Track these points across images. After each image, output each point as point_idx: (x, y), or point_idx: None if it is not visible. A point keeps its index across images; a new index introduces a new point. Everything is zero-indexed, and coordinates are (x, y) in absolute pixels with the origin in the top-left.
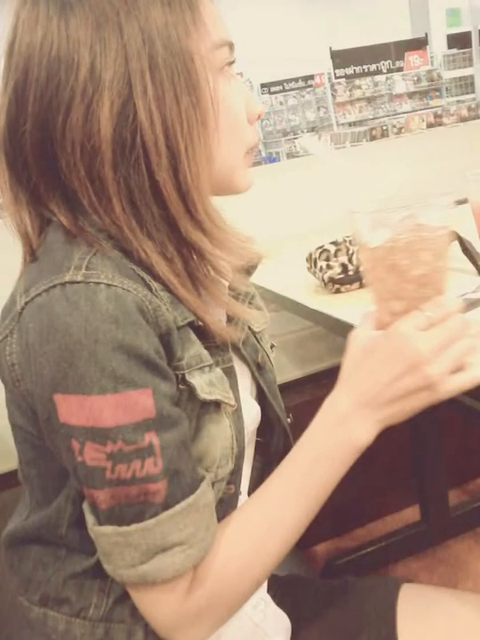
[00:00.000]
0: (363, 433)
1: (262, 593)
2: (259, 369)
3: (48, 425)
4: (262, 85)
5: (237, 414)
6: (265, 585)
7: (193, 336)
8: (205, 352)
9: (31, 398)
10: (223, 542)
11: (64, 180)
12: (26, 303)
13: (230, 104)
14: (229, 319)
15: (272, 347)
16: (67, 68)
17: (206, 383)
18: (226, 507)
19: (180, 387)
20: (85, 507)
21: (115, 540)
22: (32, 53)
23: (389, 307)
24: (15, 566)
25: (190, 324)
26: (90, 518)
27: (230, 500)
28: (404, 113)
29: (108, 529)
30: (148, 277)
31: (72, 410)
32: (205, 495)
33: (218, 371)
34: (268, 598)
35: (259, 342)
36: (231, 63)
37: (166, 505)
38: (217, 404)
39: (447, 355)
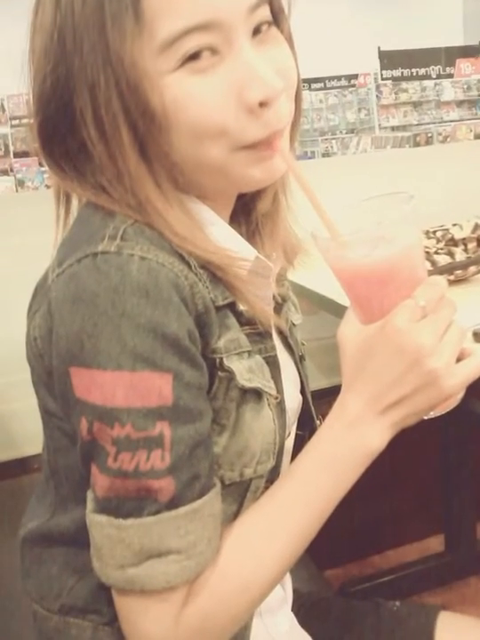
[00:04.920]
0: (375, 438)
1: (286, 610)
2: (301, 360)
3: (64, 400)
4: (303, 80)
5: (281, 407)
6: (289, 603)
7: (232, 319)
8: (244, 337)
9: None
10: (221, 559)
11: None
12: (57, 276)
13: (188, 104)
14: (276, 308)
15: (303, 344)
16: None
17: (246, 369)
18: None
19: (220, 374)
20: (88, 491)
21: (107, 533)
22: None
23: (373, 309)
24: (34, 569)
25: (230, 307)
26: (89, 504)
27: None
28: (451, 121)
29: (103, 518)
30: (185, 253)
31: (85, 383)
32: (212, 504)
33: (258, 358)
34: (292, 616)
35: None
36: (199, 52)
37: (171, 505)
38: (258, 394)
39: (446, 343)
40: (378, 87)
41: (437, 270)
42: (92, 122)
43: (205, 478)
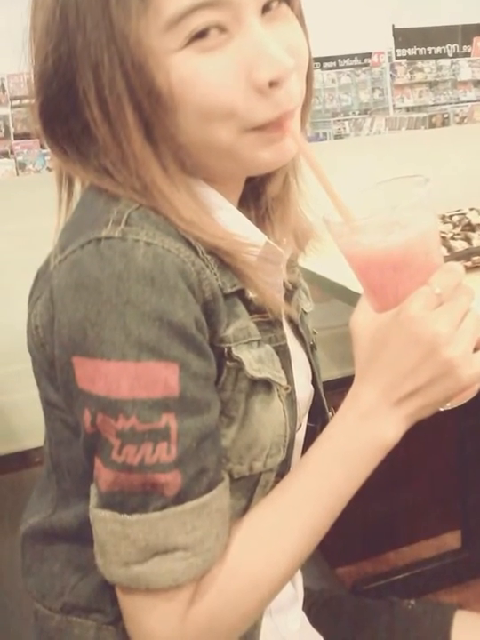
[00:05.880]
0: (390, 430)
1: (297, 609)
2: (313, 350)
3: (66, 391)
4: (314, 59)
5: (291, 398)
6: (300, 601)
7: (241, 307)
8: (253, 326)
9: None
10: (229, 555)
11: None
12: (60, 262)
13: (195, 84)
14: (287, 295)
15: (314, 333)
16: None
17: (255, 359)
18: None
19: (228, 364)
20: (92, 486)
21: (111, 529)
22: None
23: (387, 297)
24: (35, 566)
25: (239, 294)
26: (92, 499)
27: None
28: (468, 102)
29: (107, 514)
30: (192, 239)
31: (88, 374)
32: (220, 499)
33: (268, 347)
34: (303, 615)
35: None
36: (207, 30)
37: (177, 499)
38: (268, 385)
39: (463, 332)
40: (392, 66)
41: (454, 256)
42: (95, 102)
43: (213, 472)
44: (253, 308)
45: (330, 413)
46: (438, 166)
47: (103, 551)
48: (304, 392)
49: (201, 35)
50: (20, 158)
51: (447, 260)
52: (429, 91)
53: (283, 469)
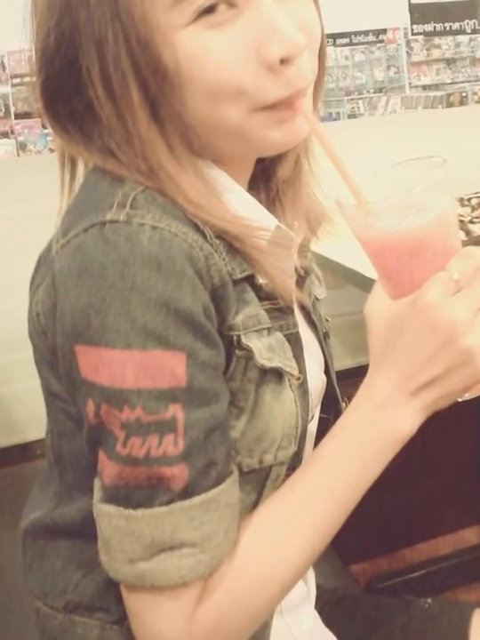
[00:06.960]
0: (405, 421)
1: (309, 608)
2: (325, 338)
3: (69, 381)
4: (327, 36)
5: (303, 388)
6: (312, 600)
7: (251, 294)
8: (263, 313)
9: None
10: (239, 552)
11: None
12: (62, 247)
13: (204, 61)
14: (298, 281)
15: (327, 320)
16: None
17: (265, 348)
18: None
19: (237, 352)
20: (95, 479)
21: (116, 524)
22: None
23: (403, 283)
24: (36, 564)
25: (249, 280)
26: (96, 493)
27: None
28: None
29: (111, 508)
30: (200, 223)
31: (92, 363)
32: (229, 493)
33: (278, 335)
34: (315, 614)
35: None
36: (215, 5)
37: (184, 494)
38: (279, 375)
39: None
40: (408, 43)
41: (472, 240)
42: (99, 80)
43: (222, 465)
44: (264, 295)
45: (343, 404)
46: (456, 147)
47: (107, 547)
48: (316, 382)
49: (209, 10)
50: (20, 138)
51: (465, 244)
52: (447, 68)
53: (294, 462)
